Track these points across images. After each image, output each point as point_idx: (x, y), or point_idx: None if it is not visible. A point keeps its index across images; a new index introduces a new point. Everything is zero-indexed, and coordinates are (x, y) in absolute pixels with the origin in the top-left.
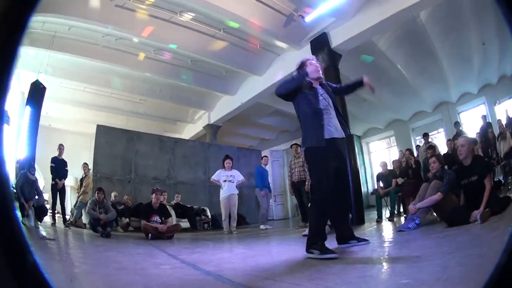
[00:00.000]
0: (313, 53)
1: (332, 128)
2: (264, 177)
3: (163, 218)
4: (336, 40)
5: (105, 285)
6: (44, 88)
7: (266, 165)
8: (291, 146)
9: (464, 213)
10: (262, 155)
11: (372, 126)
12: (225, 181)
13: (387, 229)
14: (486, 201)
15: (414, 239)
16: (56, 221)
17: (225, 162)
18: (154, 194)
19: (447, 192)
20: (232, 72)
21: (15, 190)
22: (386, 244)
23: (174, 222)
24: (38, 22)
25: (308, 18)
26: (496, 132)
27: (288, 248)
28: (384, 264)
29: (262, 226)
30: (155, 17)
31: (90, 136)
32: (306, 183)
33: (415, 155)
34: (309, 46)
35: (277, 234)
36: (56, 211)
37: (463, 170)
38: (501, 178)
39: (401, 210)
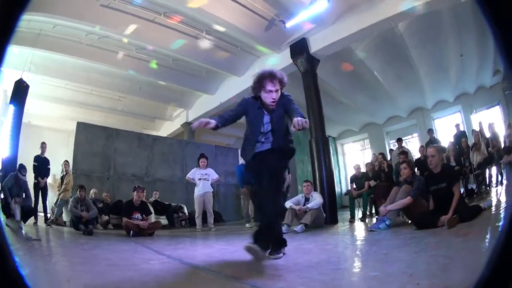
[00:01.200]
0: (292, 57)
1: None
2: (243, 174)
3: (143, 215)
4: (315, 45)
5: (104, 282)
6: (27, 86)
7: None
8: None
9: (432, 217)
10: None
11: (347, 128)
12: (200, 179)
13: (359, 228)
14: (454, 208)
15: (384, 238)
16: (38, 220)
17: (200, 161)
18: (135, 192)
19: (417, 196)
20: (213, 72)
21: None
22: (358, 242)
23: (153, 219)
24: (24, 20)
25: (288, 24)
26: (470, 141)
27: None
28: (356, 259)
29: (247, 225)
30: (139, 17)
31: (68, 133)
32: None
33: (388, 158)
34: (288, 50)
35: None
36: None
37: (432, 177)
38: (474, 186)
39: (373, 211)
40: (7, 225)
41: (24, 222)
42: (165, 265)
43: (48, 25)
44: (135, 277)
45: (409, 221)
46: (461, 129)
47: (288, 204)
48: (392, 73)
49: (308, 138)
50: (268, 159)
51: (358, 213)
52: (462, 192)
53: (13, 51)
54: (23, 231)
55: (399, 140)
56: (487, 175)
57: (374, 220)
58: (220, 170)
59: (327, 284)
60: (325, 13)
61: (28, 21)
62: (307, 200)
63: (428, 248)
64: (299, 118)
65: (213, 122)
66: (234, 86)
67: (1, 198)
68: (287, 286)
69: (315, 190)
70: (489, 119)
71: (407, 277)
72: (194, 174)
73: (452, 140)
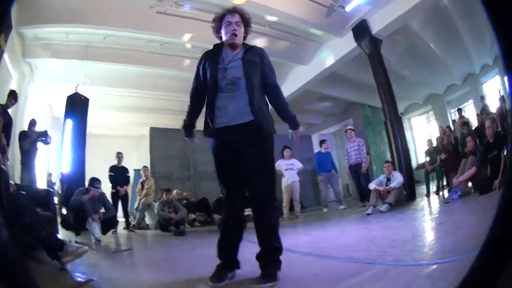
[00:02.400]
0: (356, 40)
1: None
2: (322, 162)
3: None
4: (376, 26)
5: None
6: (86, 100)
7: (326, 149)
8: (345, 131)
9: (489, 183)
10: (320, 139)
11: (411, 102)
12: (286, 169)
13: (436, 202)
14: (502, 171)
15: (457, 207)
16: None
17: (284, 152)
18: None
19: (479, 165)
20: (278, 64)
21: (64, 211)
22: (436, 215)
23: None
24: (60, 33)
25: (348, 8)
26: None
27: (360, 227)
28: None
29: (324, 210)
30: (197, 20)
31: (137, 138)
32: (363, 165)
33: (452, 129)
34: (351, 33)
35: (338, 216)
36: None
37: (489, 146)
38: None
39: (445, 183)
40: (76, 242)
41: (104, 234)
42: None
43: (98, 36)
44: (256, 270)
45: (473, 189)
46: (501, 93)
47: (372, 186)
48: (444, 44)
49: (383, 119)
50: (250, 146)
51: (432, 187)
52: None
53: (50, 65)
54: (102, 244)
55: (459, 110)
56: None
57: (446, 192)
58: (296, 158)
59: (425, 250)
60: None
61: (66, 33)
62: (388, 180)
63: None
64: (300, 130)
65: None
66: (302, 75)
67: (73, 216)
68: (396, 258)
69: (394, 169)
70: None
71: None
72: (280, 165)
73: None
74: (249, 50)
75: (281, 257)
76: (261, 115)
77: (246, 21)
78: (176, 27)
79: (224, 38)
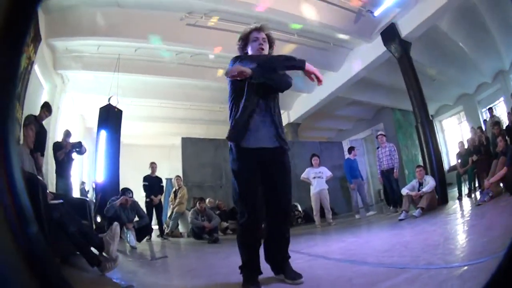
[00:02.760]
0: (385, 44)
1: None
2: (352, 169)
3: None
4: (405, 29)
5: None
6: (120, 111)
7: (355, 156)
8: (376, 137)
9: None
10: (349, 146)
11: (442, 104)
12: (314, 177)
13: (468, 205)
14: None
15: (488, 209)
16: (152, 236)
17: (313, 160)
18: None
19: (510, 166)
20: None
21: (99, 220)
22: (467, 218)
23: None
24: (91, 45)
25: (377, 12)
26: None
27: (392, 233)
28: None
29: (356, 216)
30: (226, 30)
31: (168, 148)
32: (395, 170)
33: (484, 129)
34: (379, 38)
35: (371, 222)
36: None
37: None
38: None
39: (477, 185)
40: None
41: (139, 242)
42: (312, 263)
43: (129, 49)
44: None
45: (504, 189)
46: None
47: (404, 191)
48: (473, 41)
49: (414, 123)
50: (276, 166)
51: (464, 189)
52: None
53: (80, 77)
54: (138, 251)
55: (490, 109)
56: None
57: (478, 194)
58: (327, 166)
59: (456, 252)
60: None
61: (98, 46)
62: (420, 184)
63: None
64: (310, 66)
65: (248, 71)
66: (332, 82)
67: (107, 225)
68: (428, 262)
69: (426, 173)
70: None
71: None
72: (308, 173)
73: None
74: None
75: (316, 263)
76: (283, 140)
77: (270, 40)
78: (206, 38)
79: (250, 52)
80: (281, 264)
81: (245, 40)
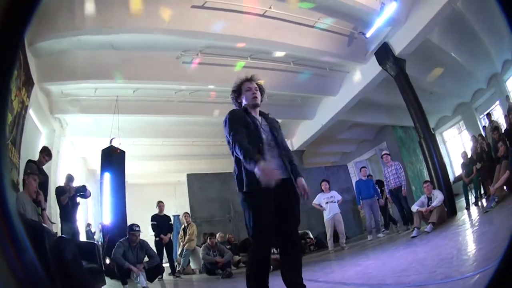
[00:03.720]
0: (380, 64)
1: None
2: (363, 189)
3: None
4: (397, 46)
5: None
6: (122, 152)
7: (365, 176)
8: (381, 157)
9: None
10: (360, 167)
11: (441, 116)
12: (327, 202)
13: (475, 213)
14: None
15: (495, 215)
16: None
17: (323, 185)
18: None
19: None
20: (307, 98)
21: (108, 261)
22: (476, 227)
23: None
24: (87, 89)
25: (368, 34)
26: None
27: (407, 251)
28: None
29: (369, 237)
30: (222, 65)
31: (174, 185)
32: (403, 188)
33: (484, 136)
34: (374, 58)
35: (384, 242)
36: None
37: None
38: None
39: (482, 192)
40: None
41: (151, 282)
42: None
43: (127, 90)
44: None
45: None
46: None
47: (414, 208)
48: (464, 50)
49: (416, 139)
50: (287, 196)
51: (471, 198)
52: None
53: (80, 120)
54: None
55: (488, 115)
56: None
57: (484, 201)
58: (334, 189)
59: (469, 262)
60: (396, 13)
61: (95, 89)
62: (429, 199)
63: None
64: (304, 184)
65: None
66: (332, 106)
67: (116, 268)
68: (444, 276)
69: (434, 187)
70: None
71: None
72: (319, 199)
73: None
74: (267, 116)
75: None
76: (289, 171)
77: (261, 89)
78: (203, 74)
79: (245, 102)
80: None
81: (238, 91)
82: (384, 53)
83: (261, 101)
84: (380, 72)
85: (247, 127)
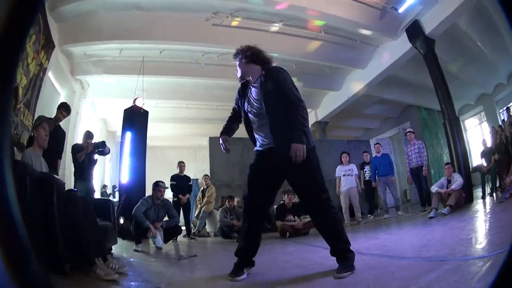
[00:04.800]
0: (410, 41)
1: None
2: (377, 166)
3: (296, 216)
4: (428, 26)
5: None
6: (146, 112)
7: (379, 152)
8: (405, 134)
9: None
10: (374, 143)
11: (465, 103)
12: (344, 175)
13: (491, 202)
14: None
15: (510, 205)
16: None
17: (343, 157)
18: (286, 195)
19: None
20: (335, 68)
21: (122, 221)
22: (490, 215)
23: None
24: (112, 50)
25: (401, 9)
26: None
27: (425, 230)
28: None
29: (385, 215)
30: (252, 29)
31: (194, 149)
32: (423, 168)
33: (503, 128)
34: (405, 34)
35: (400, 221)
36: None
37: None
38: None
39: (497, 184)
40: (136, 250)
41: (166, 242)
42: None
43: (154, 51)
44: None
45: None
46: None
47: (434, 188)
48: (489, 42)
49: (439, 122)
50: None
51: (487, 189)
52: None
53: (109, 81)
54: (163, 252)
55: (508, 109)
56: None
57: (499, 194)
58: (355, 164)
59: (488, 243)
60: None
61: (120, 49)
62: (449, 182)
63: None
64: (295, 146)
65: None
66: (359, 79)
67: (134, 226)
68: (464, 254)
69: (454, 171)
70: None
71: None
72: (338, 171)
73: None
74: (266, 75)
75: (355, 259)
76: (279, 140)
77: (243, 58)
78: (232, 37)
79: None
80: (340, 256)
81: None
82: (414, 30)
83: (257, 61)
84: (410, 49)
85: (239, 101)
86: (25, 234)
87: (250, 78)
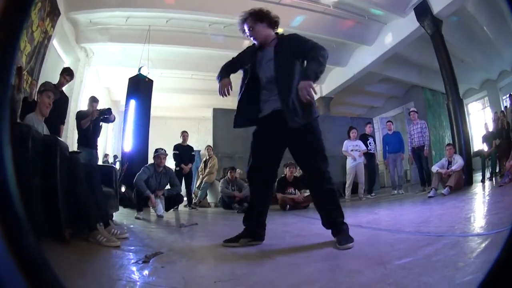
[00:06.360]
0: (418, 20)
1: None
2: (388, 143)
3: (297, 189)
4: (436, 6)
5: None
6: (150, 81)
7: (391, 130)
8: (409, 113)
9: None
10: (386, 121)
11: (469, 87)
12: (352, 150)
13: (490, 186)
14: None
15: (509, 189)
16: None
17: (351, 132)
18: (288, 168)
19: None
20: (342, 44)
21: (123, 189)
22: (488, 197)
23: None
24: (119, 17)
25: None
26: None
27: (424, 207)
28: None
29: (394, 191)
30: (261, 1)
31: (197, 120)
32: (425, 148)
33: (505, 113)
34: (413, 13)
35: (400, 198)
36: None
37: None
38: None
39: (497, 170)
40: (136, 217)
41: (167, 211)
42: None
43: (160, 20)
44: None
45: None
46: None
47: (434, 168)
48: (495, 27)
49: (443, 103)
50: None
51: (487, 174)
52: None
53: (114, 49)
54: (164, 220)
55: (511, 96)
56: None
57: (499, 178)
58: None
59: (487, 222)
60: None
61: (126, 18)
62: (450, 163)
63: None
64: (302, 83)
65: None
66: (365, 56)
67: (136, 193)
68: (463, 231)
69: (455, 152)
70: None
71: None
72: (346, 146)
73: None
74: (281, 41)
75: (352, 231)
76: (290, 110)
77: (255, 19)
78: (240, 7)
79: None
80: (336, 228)
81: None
82: (423, 9)
83: (272, 25)
84: (417, 28)
85: (250, 62)
86: (20, 205)
87: (260, 43)
